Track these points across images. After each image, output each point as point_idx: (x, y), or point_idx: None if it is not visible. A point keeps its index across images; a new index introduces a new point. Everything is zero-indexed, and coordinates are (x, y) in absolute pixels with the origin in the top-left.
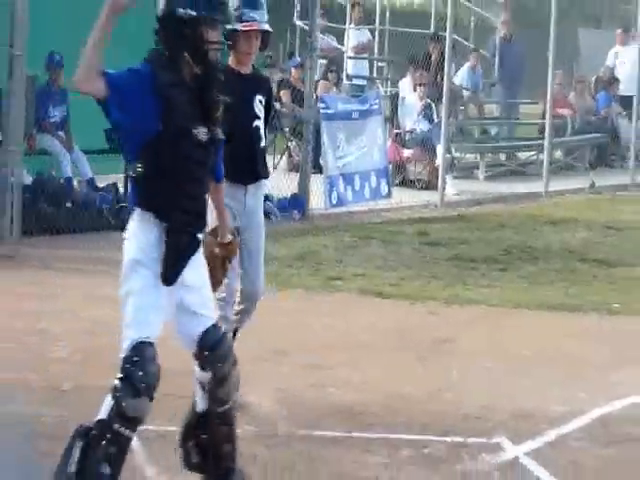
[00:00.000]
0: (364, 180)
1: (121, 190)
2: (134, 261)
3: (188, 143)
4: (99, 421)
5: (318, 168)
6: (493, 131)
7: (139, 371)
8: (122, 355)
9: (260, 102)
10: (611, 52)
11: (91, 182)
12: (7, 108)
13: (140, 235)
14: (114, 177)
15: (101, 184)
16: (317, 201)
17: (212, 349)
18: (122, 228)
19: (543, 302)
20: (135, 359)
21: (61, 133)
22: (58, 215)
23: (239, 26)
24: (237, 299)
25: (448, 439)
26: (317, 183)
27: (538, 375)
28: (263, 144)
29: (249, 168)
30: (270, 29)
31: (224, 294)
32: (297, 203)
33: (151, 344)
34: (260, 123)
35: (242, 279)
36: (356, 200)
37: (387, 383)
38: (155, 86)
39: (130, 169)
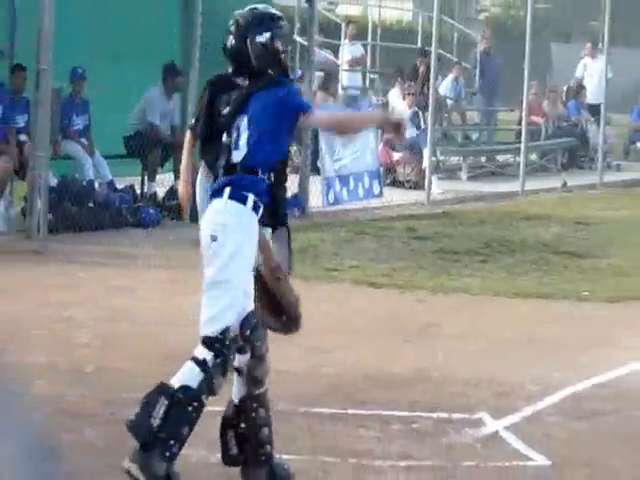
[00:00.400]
0: (358, 181)
1: (137, 191)
2: (237, 252)
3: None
4: (186, 388)
5: (316, 170)
6: (474, 136)
7: (231, 355)
8: (210, 334)
9: None
10: (580, 64)
11: (111, 184)
12: (35, 118)
13: (243, 230)
14: (131, 179)
15: (120, 186)
16: (315, 200)
17: (253, 329)
18: (139, 225)
19: (520, 290)
20: (227, 343)
21: (83, 140)
22: (81, 214)
23: None
24: None
25: (434, 415)
26: (315, 184)
27: (515, 356)
28: None
29: None
30: None
31: None
32: (297, 202)
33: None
34: None
35: None
36: (351, 199)
37: (379, 364)
38: None
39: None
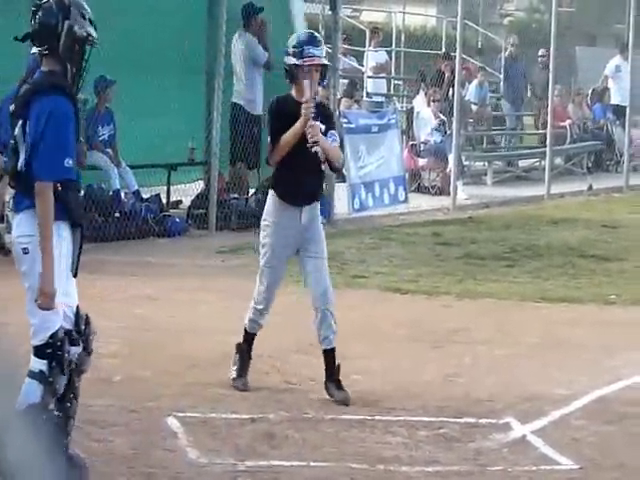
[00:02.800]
0: (383, 187)
1: (164, 200)
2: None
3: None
4: (31, 406)
5: (342, 177)
6: (499, 141)
7: (65, 352)
8: (40, 343)
9: (320, 130)
10: (612, 62)
11: (137, 193)
12: None
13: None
14: (157, 189)
15: (145, 195)
16: (341, 207)
17: (87, 323)
18: (165, 234)
19: (546, 295)
20: (58, 344)
21: (109, 150)
22: (107, 224)
23: (301, 61)
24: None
25: (461, 420)
26: (341, 191)
27: (542, 361)
28: (322, 168)
29: (307, 191)
30: (328, 63)
31: (261, 306)
32: (323, 209)
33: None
34: (319, 149)
35: (312, 287)
36: (376, 205)
37: (406, 370)
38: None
39: None
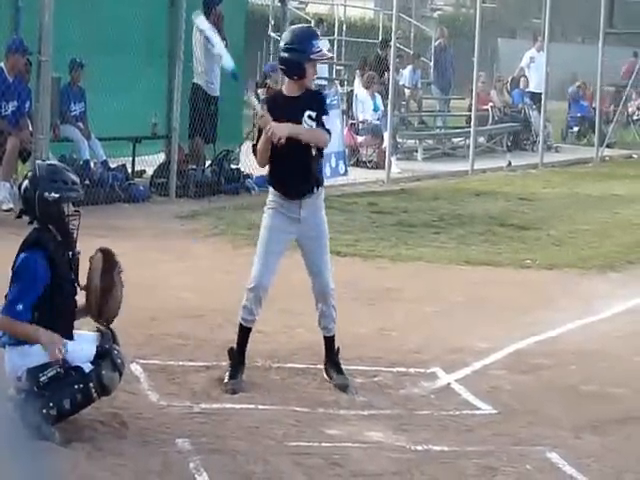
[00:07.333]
0: (325, 161)
1: (129, 170)
2: None
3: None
4: None
5: None
6: (429, 121)
7: None
8: None
9: (310, 117)
10: (527, 55)
11: (105, 163)
12: (36, 104)
13: None
14: (123, 160)
15: (113, 165)
16: None
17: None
18: (130, 201)
19: (469, 259)
20: None
21: (80, 124)
22: None
23: (313, 56)
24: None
25: (393, 369)
26: None
27: (466, 317)
28: (314, 153)
29: (300, 185)
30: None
31: (252, 284)
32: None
33: None
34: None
35: (311, 281)
36: None
37: (344, 325)
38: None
39: None
